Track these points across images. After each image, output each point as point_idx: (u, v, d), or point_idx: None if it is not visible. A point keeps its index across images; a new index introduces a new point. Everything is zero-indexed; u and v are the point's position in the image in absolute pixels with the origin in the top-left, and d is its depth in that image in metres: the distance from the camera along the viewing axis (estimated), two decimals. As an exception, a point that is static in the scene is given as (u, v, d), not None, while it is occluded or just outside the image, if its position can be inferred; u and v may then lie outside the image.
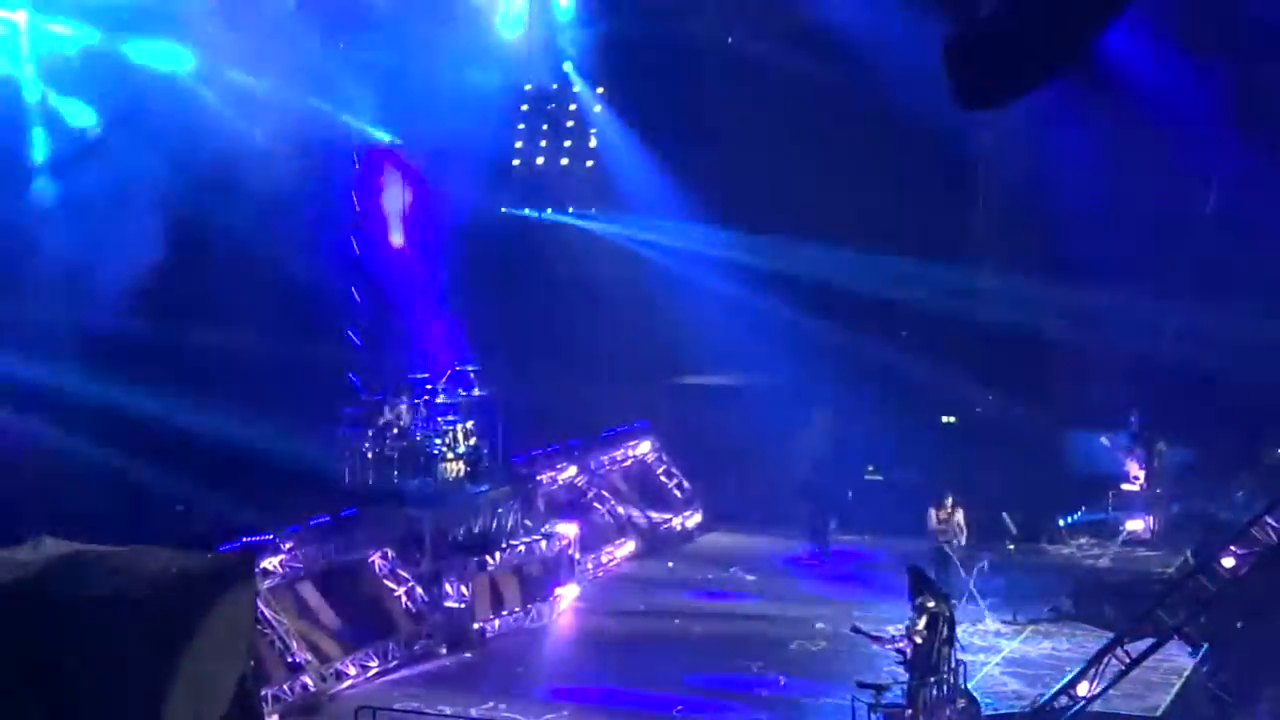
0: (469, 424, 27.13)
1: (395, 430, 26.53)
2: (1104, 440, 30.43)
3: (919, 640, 18.57)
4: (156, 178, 25.02)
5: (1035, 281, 31.65)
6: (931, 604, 18.95)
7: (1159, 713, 19.48)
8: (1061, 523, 30.75)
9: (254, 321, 26.24)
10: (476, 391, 27.32)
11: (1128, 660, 17.87)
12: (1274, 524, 17.65)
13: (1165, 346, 31.09)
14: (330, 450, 26.60)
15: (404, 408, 26.67)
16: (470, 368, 27.51)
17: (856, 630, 19.79)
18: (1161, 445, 30.24)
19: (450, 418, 26.94)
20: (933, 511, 26.12)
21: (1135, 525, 29.89)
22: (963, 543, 26.34)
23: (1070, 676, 18.24)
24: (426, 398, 26.94)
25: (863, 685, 19.00)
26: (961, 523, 26.11)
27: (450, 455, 26.59)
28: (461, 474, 26.61)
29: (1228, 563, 17.87)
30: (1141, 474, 30.05)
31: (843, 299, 32.60)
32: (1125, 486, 30.24)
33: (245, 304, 26.39)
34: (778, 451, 32.14)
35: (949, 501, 26.13)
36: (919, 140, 31.39)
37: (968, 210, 33.17)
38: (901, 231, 32.11)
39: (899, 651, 18.90)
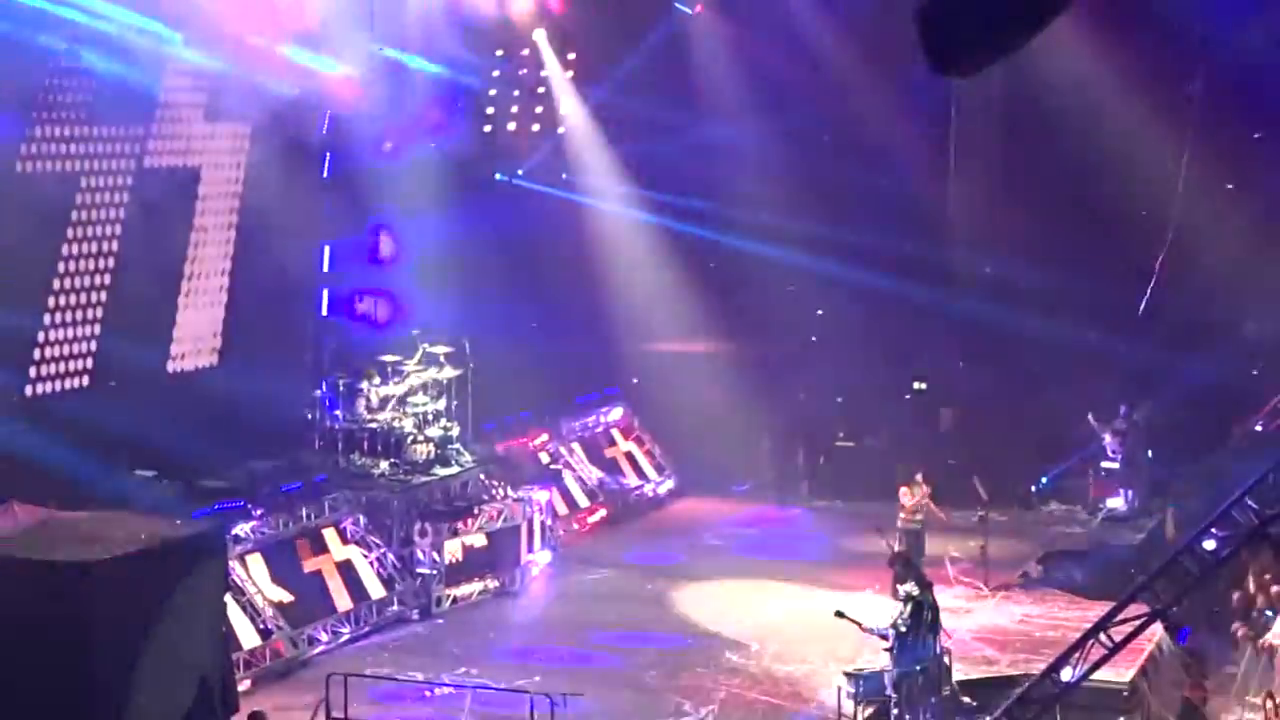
0: (439, 404, 27.07)
1: (365, 411, 26.45)
2: (1090, 420, 30.32)
3: (902, 629, 18.58)
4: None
5: (1011, 246, 31.69)
6: (916, 592, 18.96)
7: (1128, 678, 19.57)
8: (1033, 488, 30.86)
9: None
10: (448, 372, 27.22)
11: (1110, 645, 17.90)
12: (1253, 505, 17.62)
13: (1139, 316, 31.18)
14: (301, 429, 26.58)
15: (374, 388, 26.56)
16: (441, 349, 27.37)
17: (840, 615, 19.81)
18: (1137, 417, 30.25)
19: (421, 399, 26.85)
20: (905, 490, 25.90)
21: (1115, 503, 29.94)
22: (943, 517, 26.27)
23: (1053, 662, 18.27)
24: (396, 379, 26.83)
25: (849, 675, 19.02)
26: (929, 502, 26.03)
27: (420, 437, 26.53)
28: (431, 456, 26.57)
29: (1208, 545, 17.88)
30: (1119, 448, 29.98)
31: (813, 266, 32.59)
32: (1105, 464, 30.23)
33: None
34: (751, 417, 32.17)
35: (919, 477, 26.01)
36: (893, 106, 31.50)
37: (940, 178, 33.14)
38: (873, 200, 32.11)
39: (882, 637, 18.91)
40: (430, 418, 26.87)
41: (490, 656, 23.07)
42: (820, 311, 33.95)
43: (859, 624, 19.46)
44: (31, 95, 22.81)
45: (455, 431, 27.18)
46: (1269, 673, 20.81)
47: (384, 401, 26.55)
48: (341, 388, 26.54)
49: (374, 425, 26.39)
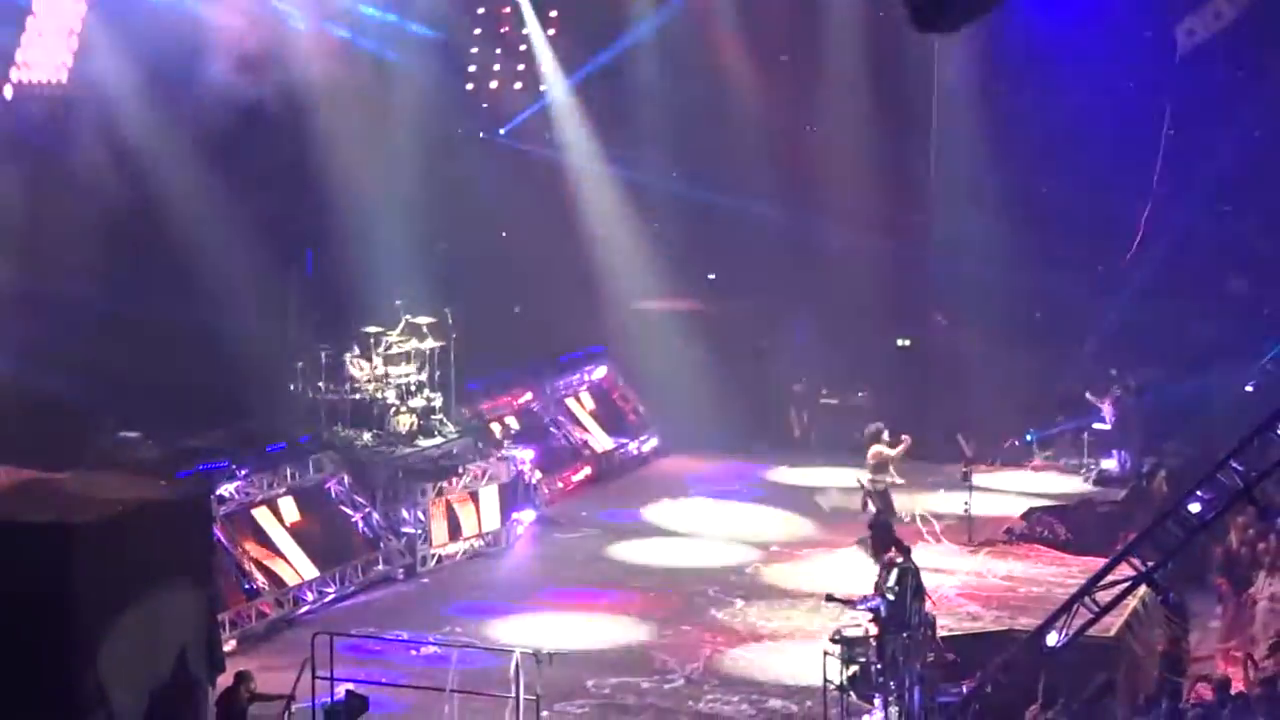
0: (422, 375, 26.98)
1: (347, 383, 26.37)
2: (1088, 396, 30.23)
3: (891, 597, 18.62)
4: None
5: (993, 205, 31.68)
6: (901, 560, 19.00)
7: (1112, 633, 19.65)
8: (1016, 443, 30.84)
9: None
10: (430, 342, 27.12)
11: (1096, 608, 17.98)
12: (1238, 467, 17.65)
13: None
14: (283, 400, 26.54)
15: (356, 359, 26.46)
16: (424, 319, 27.25)
17: (831, 599, 19.88)
18: (1131, 381, 30.18)
19: (404, 369, 26.75)
20: (879, 449, 25.27)
21: (1109, 464, 29.90)
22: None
23: (1039, 626, 18.35)
24: (379, 349, 26.71)
25: (834, 640, 19.06)
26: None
27: (403, 408, 26.44)
28: (414, 427, 26.49)
29: (1193, 508, 17.94)
30: (1115, 412, 29.91)
31: (797, 227, 32.57)
32: (1097, 425, 30.19)
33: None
34: (735, 375, 32.17)
35: (886, 435, 25.44)
36: (873, 72, 31.51)
37: (922, 137, 33.08)
38: (855, 160, 32.08)
39: (871, 610, 18.94)
40: (413, 388, 26.77)
41: (475, 615, 23.10)
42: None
43: (850, 602, 19.49)
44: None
45: (438, 402, 27.09)
46: (1250, 626, 20.91)
47: (366, 372, 26.43)
48: (324, 359, 26.43)
49: (357, 396, 26.30)
